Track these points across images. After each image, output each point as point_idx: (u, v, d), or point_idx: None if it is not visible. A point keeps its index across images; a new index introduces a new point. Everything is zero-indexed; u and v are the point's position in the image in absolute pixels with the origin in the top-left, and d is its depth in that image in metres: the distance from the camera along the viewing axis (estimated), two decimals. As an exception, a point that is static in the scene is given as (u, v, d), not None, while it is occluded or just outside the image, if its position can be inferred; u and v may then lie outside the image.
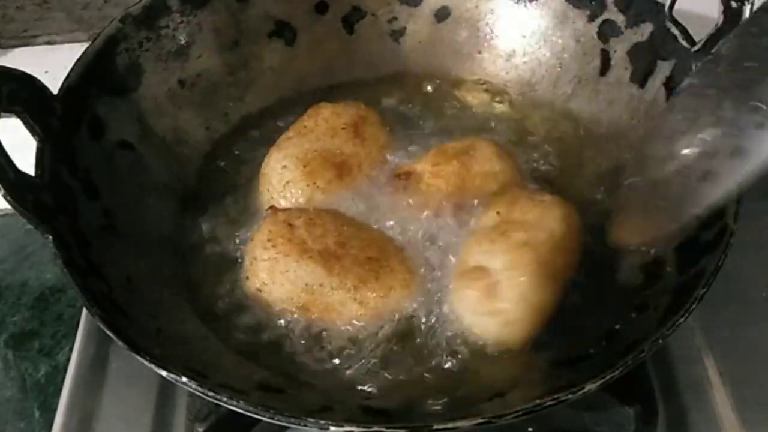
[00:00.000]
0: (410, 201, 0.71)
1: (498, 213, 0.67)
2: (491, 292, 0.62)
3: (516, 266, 0.62)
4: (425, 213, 0.70)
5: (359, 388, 0.61)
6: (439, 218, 0.70)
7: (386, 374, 0.62)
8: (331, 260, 0.64)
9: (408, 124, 0.81)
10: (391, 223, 0.70)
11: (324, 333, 0.64)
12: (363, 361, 0.63)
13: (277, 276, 0.64)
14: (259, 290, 0.65)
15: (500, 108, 0.84)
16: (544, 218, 0.65)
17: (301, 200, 0.71)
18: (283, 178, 0.72)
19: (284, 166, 0.72)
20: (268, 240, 0.65)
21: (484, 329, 0.63)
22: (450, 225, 0.69)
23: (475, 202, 0.70)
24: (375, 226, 0.70)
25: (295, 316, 0.65)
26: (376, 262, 0.65)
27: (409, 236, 0.69)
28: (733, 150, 0.47)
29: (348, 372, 0.62)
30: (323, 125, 0.75)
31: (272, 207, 0.69)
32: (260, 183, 0.74)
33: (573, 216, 0.67)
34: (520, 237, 0.63)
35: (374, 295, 0.64)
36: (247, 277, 0.67)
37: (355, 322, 0.64)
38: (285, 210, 0.69)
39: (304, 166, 0.72)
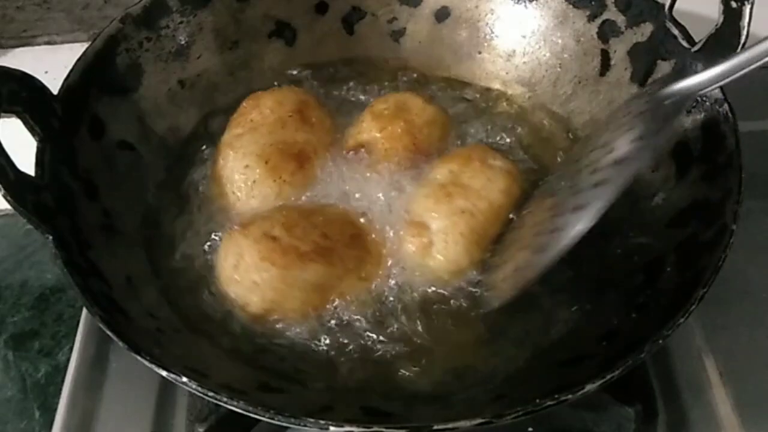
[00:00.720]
0: (373, 170, 0.72)
1: (450, 171, 0.70)
2: (426, 249, 0.67)
3: (450, 231, 0.67)
4: (389, 176, 0.72)
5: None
6: (402, 177, 0.72)
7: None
8: (326, 253, 0.65)
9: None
10: (358, 195, 0.71)
11: (334, 322, 0.65)
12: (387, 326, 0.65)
13: (286, 291, 0.63)
14: (269, 310, 0.64)
15: (500, 108, 0.84)
16: (488, 187, 0.69)
17: (271, 197, 0.70)
18: (248, 179, 0.71)
19: (246, 166, 0.71)
20: (261, 260, 0.63)
21: (421, 279, 0.67)
22: (412, 183, 0.72)
23: (431, 153, 0.74)
24: (341, 205, 0.71)
25: (307, 317, 0.65)
26: (360, 238, 0.67)
27: (378, 204, 0.71)
28: (574, 206, 0.58)
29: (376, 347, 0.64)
30: (270, 116, 0.74)
31: (233, 227, 0.67)
32: (219, 185, 0.72)
33: (516, 188, 0.71)
34: (461, 204, 0.68)
35: (372, 267, 0.66)
36: (248, 304, 0.64)
37: (363, 297, 0.66)
38: (247, 226, 0.66)
39: (266, 163, 0.71)
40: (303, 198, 0.71)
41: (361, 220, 0.70)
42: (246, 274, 0.64)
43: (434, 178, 0.71)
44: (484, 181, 0.69)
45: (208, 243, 0.71)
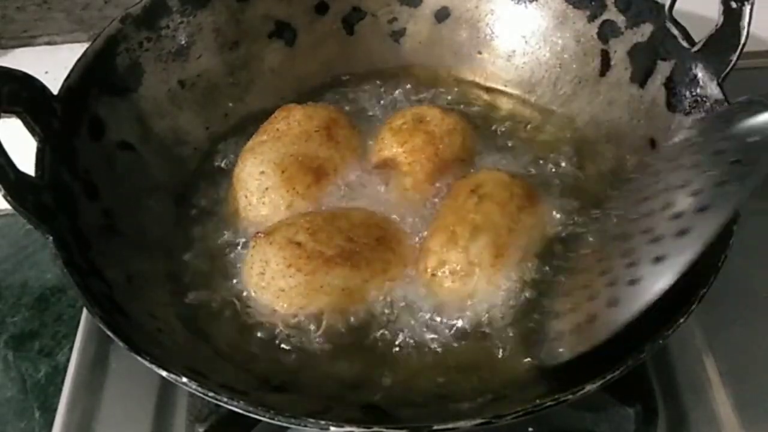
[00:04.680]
0: (400, 186, 0.72)
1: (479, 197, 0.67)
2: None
3: (498, 267, 0.65)
4: (417, 191, 0.72)
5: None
6: (431, 192, 0.72)
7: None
8: (353, 257, 0.65)
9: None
10: (385, 209, 0.71)
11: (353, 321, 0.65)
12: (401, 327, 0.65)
13: (313, 296, 0.64)
14: (295, 315, 0.64)
15: (501, 109, 0.84)
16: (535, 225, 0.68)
17: (281, 206, 0.70)
18: (262, 185, 0.71)
19: (262, 172, 0.71)
20: (288, 267, 0.64)
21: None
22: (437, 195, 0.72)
23: (457, 161, 0.74)
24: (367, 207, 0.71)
25: (330, 318, 0.65)
26: (386, 241, 0.67)
27: (406, 215, 0.71)
28: (655, 257, 0.53)
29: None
30: (296, 128, 0.74)
31: (257, 234, 0.67)
32: (235, 187, 0.73)
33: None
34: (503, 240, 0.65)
35: (399, 268, 0.66)
36: (275, 311, 0.64)
37: (389, 299, 0.66)
38: (271, 232, 0.66)
39: (282, 172, 0.71)
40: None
41: (391, 219, 0.70)
42: (272, 281, 0.64)
43: (462, 204, 0.67)
44: (531, 218, 0.68)
45: (212, 244, 0.71)
